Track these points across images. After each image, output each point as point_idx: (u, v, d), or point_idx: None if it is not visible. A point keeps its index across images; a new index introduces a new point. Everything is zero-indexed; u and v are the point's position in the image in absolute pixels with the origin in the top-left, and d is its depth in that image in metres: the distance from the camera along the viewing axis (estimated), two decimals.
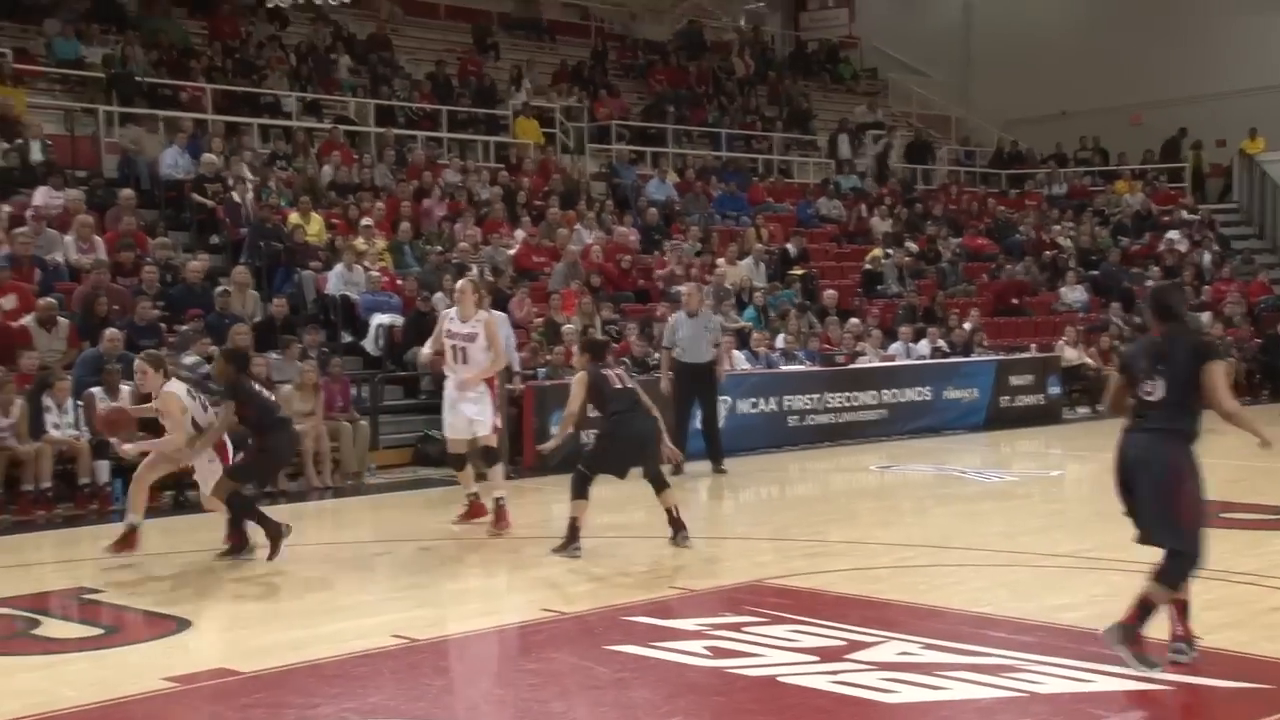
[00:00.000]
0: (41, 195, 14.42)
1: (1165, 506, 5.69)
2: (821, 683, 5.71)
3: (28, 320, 12.15)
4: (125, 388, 10.78)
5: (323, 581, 8.24)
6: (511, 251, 17.03)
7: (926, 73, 29.67)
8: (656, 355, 14.36)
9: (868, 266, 20.49)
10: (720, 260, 18.36)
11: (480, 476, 10.19)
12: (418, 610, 7.38)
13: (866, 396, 16.00)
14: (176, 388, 8.73)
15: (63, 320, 12.28)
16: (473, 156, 20.26)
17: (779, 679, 5.79)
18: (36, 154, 15.40)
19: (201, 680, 5.86)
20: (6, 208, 13.97)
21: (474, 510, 10.06)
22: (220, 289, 13.75)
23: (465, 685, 6.02)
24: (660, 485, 9.03)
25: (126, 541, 8.72)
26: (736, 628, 6.67)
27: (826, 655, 6.14)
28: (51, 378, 11.29)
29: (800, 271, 19.28)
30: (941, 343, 17.87)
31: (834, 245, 21.71)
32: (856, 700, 5.49)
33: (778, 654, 6.18)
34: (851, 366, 16.41)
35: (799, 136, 25.71)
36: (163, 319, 13.07)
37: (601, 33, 26.70)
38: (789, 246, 19.96)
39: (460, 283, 10.52)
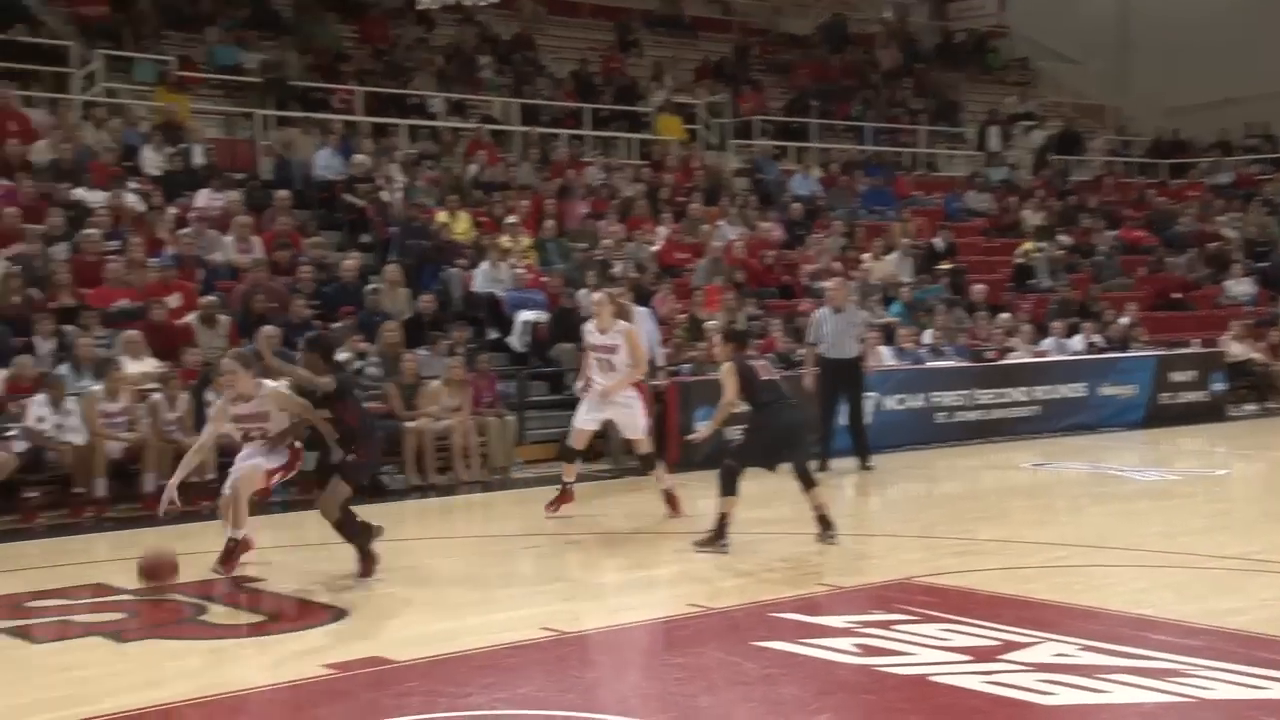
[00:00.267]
0: (203, 197, 14.92)
1: None
2: (975, 683, 5.58)
3: (191, 318, 12.58)
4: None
5: (472, 574, 8.35)
6: (654, 248, 17.06)
7: (1080, 61, 28.80)
8: (801, 351, 14.23)
9: (1018, 260, 20.01)
10: (866, 255, 18.12)
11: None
12: (565, 603, 7.42)
13: (1017, 393, 15.62)
14: (279, 385, 8.11)
15: (223, 318, 12.68)
16: (616, 154, 20.36)
17: (930, 678, 5.68)
18: (198, 157, 15.94)
19: (358, 668, 5.97)
20: (172, 210, 14.49)
21: (563, 496, 10.27)
22: (371, 287, 14.04)
23: (613, 678, 6.03)
24: (808, 482, 8.93)
25: (234, 557, 7.95)
26: (886, 625, 6.55)
27: (980, 655, 6.00)
28: (213, 374, 11.61)
29: (948, 266, 18.92)
30: (1097, 338, 17.35)
31: (983, 239, 21.25)
32: (1012, 701, 5.35)
33: (929, 653, 6.05)
34: (1002, 362, 16.05)
35: (946, 129, 25.24)
36: (316, 316, 13.41)
37: (744, 28, 26.58)
38: (936, 241, 19.60)
39: (597, 296, 10.71)
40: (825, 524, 8.84)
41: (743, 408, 9.07)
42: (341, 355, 12.54)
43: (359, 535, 7.77)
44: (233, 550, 7.84)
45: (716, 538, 8.66)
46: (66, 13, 18.12)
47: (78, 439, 10.69)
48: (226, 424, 8.16)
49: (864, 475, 12.77)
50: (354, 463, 7.78)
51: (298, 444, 8.26)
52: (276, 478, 8.08)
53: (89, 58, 16.88)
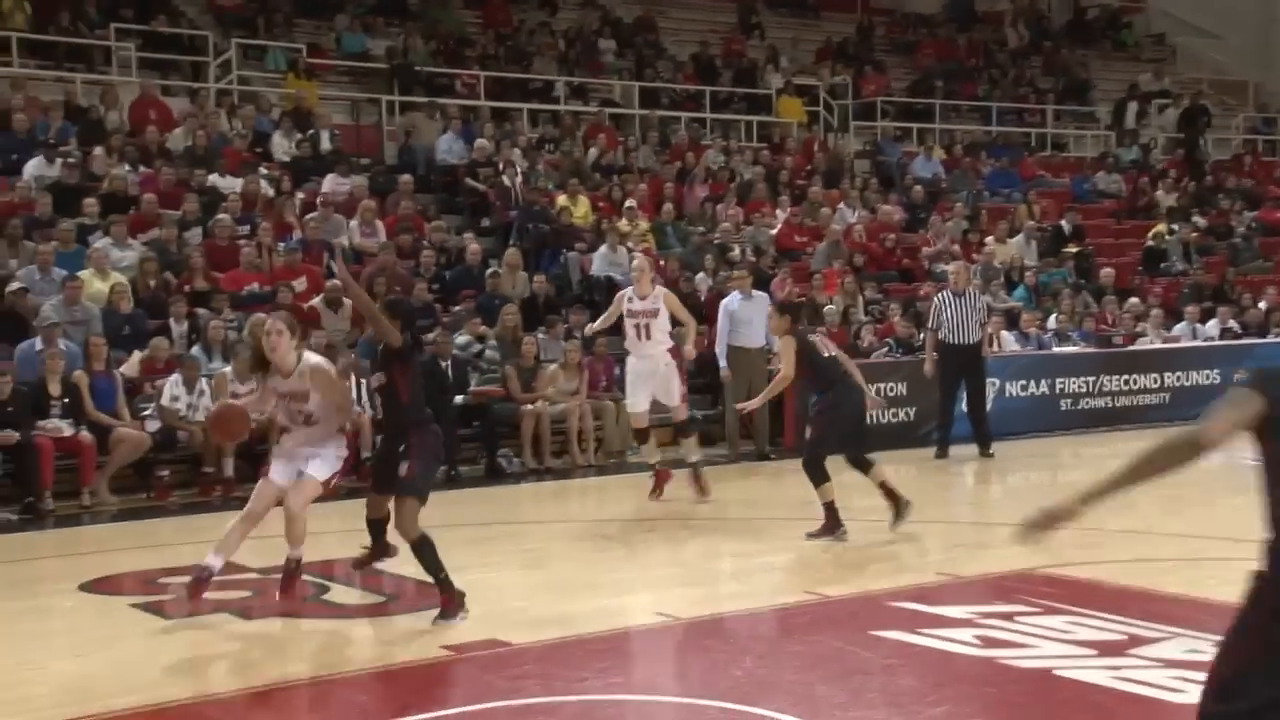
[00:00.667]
0: (329, 182, 15.22)
1: None
2: (1101, 678, 5.44)
3: (316, 301, 12.84)
4: None
5: (588, 558, 8.40)
6: (773, 231, 16.94)
7: (1220, 35, 27.78)
8: (921, 336, 14.02)
9: (1150, 243, 19.42)
10: (989, 238, 17.76)
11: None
12: (680, 588, 7.42)
13: (1147, 380, 15.17)
14: (322, 361, 7.14)
15: (347, 301, 12.92)
16: (735, 136, 20.25)
17: (1054, 672, 5.55)
18: (325, 143, 16.25)
19: (474, 650, 6.04)
20: (300, 195, 14.79)
21: (659, 478, 10.36)
22: (491, 270, 14.18)
23: (729, 664, 6.01)
24: (867, 465, 8.82)
25: (294, 579, 7.04)
26: (1008, 617, 6.42)
27: (1106, 649, 5.84)
28: (337, 356, 11.89)
29: (1075, 249, 18.45)
30: (1233, 323, 16.76)
31: (1112, 221, 20.67)
32: (1139, 698, 5.20)
33: (1053, 646, 5.92)
34: (1131, 348, 15.60)
35: (1076, 108, 24.58)
36: (438, 300, 13.58)
37: (868, 7, 26.20)
38: (1063, 223, 19.12)
39: (637, 260, 10.85)
40: (901, 505, 8.72)
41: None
42: (461, 338, 12.72)
43: (437, 569, 6.56)
44: (293, 571, 6.96)
45: (833, 527, 8.58)
46: (205, 3, 18.60)
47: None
48: (271, 405, 7.13)
49: (984, 462, 12.54)
50: (408, 479, 6.52)
51: (347, 428, 7.40)
52: (334, 481, 7.08)
53: (224, 47, 17.31)
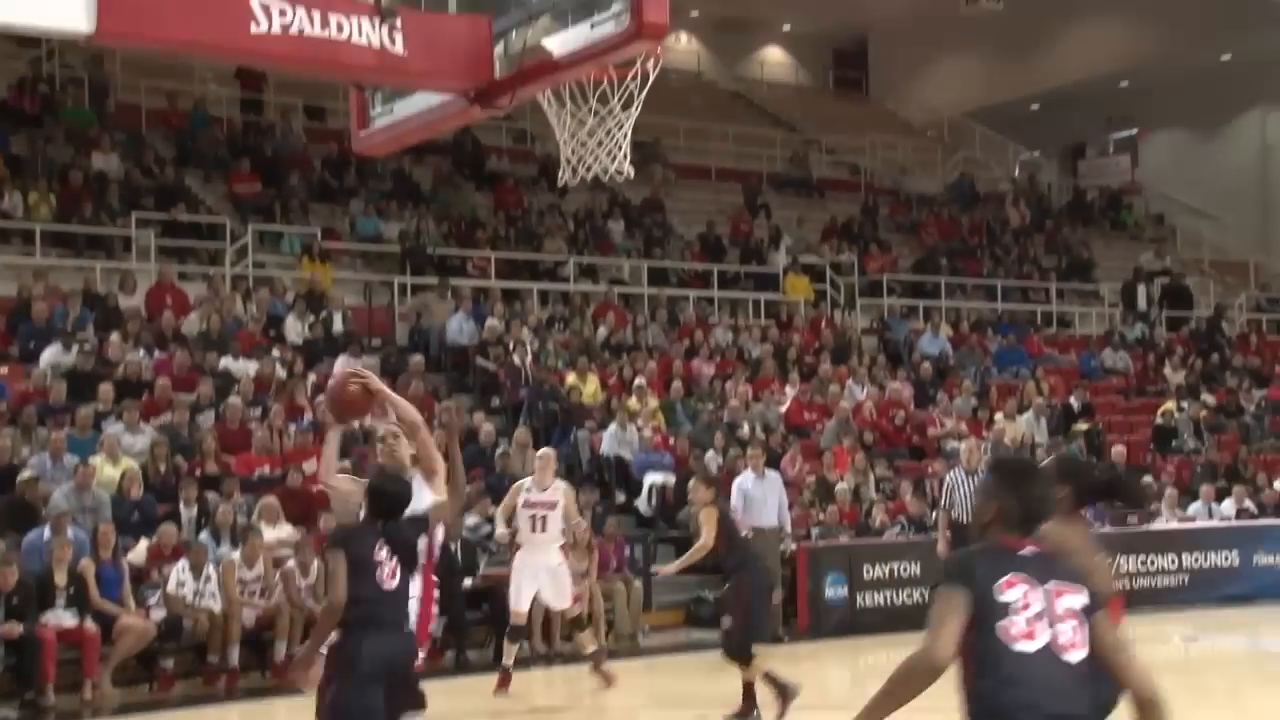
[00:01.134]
0: (341, 363, 15.34)
1: None
2: None
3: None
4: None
5: None
6: (783, 408, 17.00)
7: (1219, 217, 28.31)
8: (934, 515, 13.93)
9: (1159, 421, 19.43)
10: (999, 415, 17.79)
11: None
12: None
13: (1164, 560, 15.00)
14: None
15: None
16: (743, 314, 20.49)
17: None
18: (338, 325, 16.46)
19: None
20: (311, 377, 14.92)
21: (503, 679, 10.01)
22: (501, 450, 14.19)
23: None
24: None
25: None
26: None
27: None
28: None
29: (1085, 426, 18.45)
30: (1249, 503, 16.61)
31: (1120, 398, 20.72)
32: None
33: None
34: (1146, 528, 15.46)
35: (1079, 286, 24.90)
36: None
37: (872, 188, 26.80)
38: (1072, 400, 19.18)
39: (543, 450, 10.81)
40: (752, 704, 8.68)
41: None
42: (470, 519, 12.66)
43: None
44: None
45: (747, 711, 8.54)
46: (223, 191, 19.08)
47: (215, 606, 10.88)
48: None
49: None
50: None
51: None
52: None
53: (241, 233, 17.70)
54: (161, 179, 18.17)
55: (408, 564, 5.70)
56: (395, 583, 5.58)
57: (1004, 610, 3.49)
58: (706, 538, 8.83)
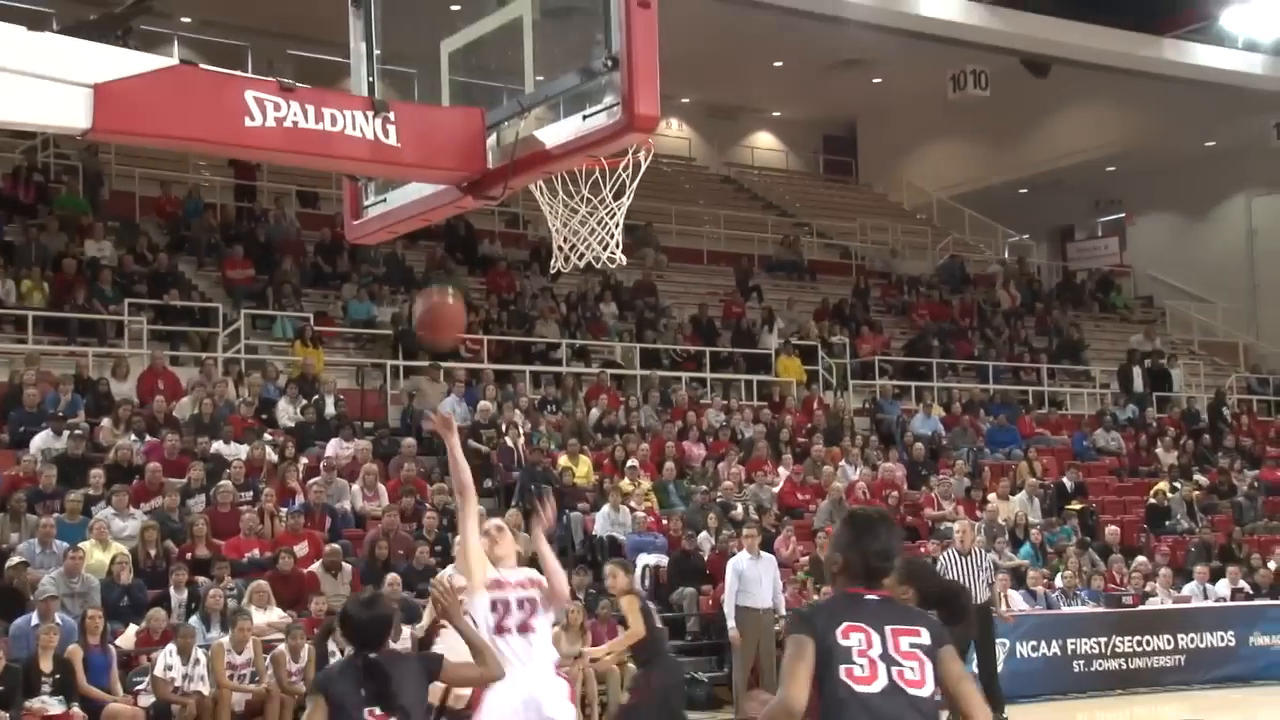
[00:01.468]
0: (333, 447, 15.35)
1: None
2: None
3: (315, 566, 12.78)
4: (405, 630, 11.03)
5: None
6: (776, 489, 16.99)
7: (1208, 299, 28.55)
8: None
9: (1152, 500, 19.43)
10: (992, 495, 17.79)
11: None
12: None
13: (1160, 641, 14.93)
14: None
15: (347, 565, 12.86)
16: (736, 395, 20.53)
17: None
18: (330, 408, 16.48)
19: None
20: (303, 460, 14.91)
21: None
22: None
23: None
24: None
25: None
26: None
27: None
28: (336, 623, 11.74)
29: (1078, 506, 18.45)
30: (1244, 583, 16.56)
31: (1114, 479, 20.73)
32: None
33: None
34: (1142, 608, 15.41)
35: (1070, 367, 25.03)
36: (442, 563, 13.50)
37: (863, 270, 27.02)
38: (1065, 480, 19.19)
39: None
40: None
41: None
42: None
43: None
44: None
45: None
46: (216, 277, 19.20)
47: (204, 689, 10.78)
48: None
49: None
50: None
51: None
52: None
53: (234, 317, 17.77)
54: (154, 265, 18.28)
55: (388, 709, 4.76)
56: None
57: (845, 654, 3.75)
58: (635, 625, 8.56)
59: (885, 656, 3.75)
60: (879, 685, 3.73)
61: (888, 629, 3.79)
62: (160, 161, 20.54)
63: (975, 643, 12.58)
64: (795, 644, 3.77)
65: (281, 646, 11.27)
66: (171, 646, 10.87)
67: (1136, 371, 24.13)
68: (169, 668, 10.76)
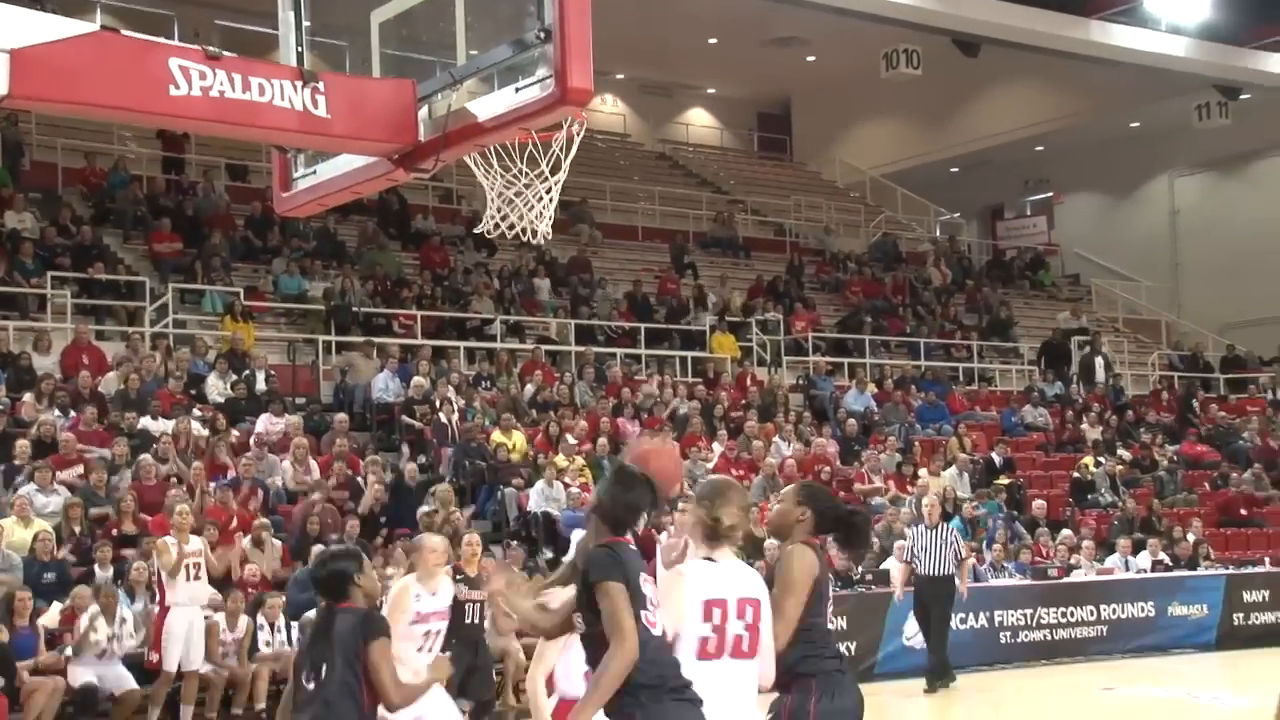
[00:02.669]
0: (263, 422, 15.19)
1: None
2: None
3: (246, 542, 12.65)
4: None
5: None
6: (710, 465, 17.06)
7: (1133, 278, 29.05)
8: (858, 569, 14.13)
9: (1077, 475, 19.77)
10: (923, 470, 18.00)
11: None
12: None
13: (1083, 612, 15.23)
14: None
15: (276, 541, 12.76)
16: (670, 371, 20.58)
17: None
18: (261, 384, 16.29)
19: None
20: (233, 435, 14.74)
21: None
22: (424, 509, 14.08)
23: None
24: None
25: None
26: None
27: None
28: (264, 597, 11.66)
29: (1006, 481, 18.74)
30: (1164, 555, 16.93)
31: (1040, 454, 21.07)
32: None
33: None
34: (1066, 580, 15.69)
35: (999, 344, 25.35)
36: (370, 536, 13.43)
37: (797, 248, 27.15)
38: (994, 455, 19.47)
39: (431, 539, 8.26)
40: None
41: None
42: (391, 572, 12.52)
43: None
44: None
45: None
46: (143, 250, 18.88)
47: (134, 643, 10.72)
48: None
49: (943, 694, 12.48)
50: None
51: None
52: None
53: (161, 292, 17.50)
54: (78, 238, 17.94)
55: (319, 659, 4.89)
56: (313, 683, 4.91)
57: (644, 601, 4.19)
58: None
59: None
60: (658, 631, 4.31)
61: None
62: (83, 131, 20.13)
63: (932, 613, 12.87)
64: (614, 591, 4.17)
65: (217, 616, 11.15)
66: (95, 608, 10.58)
67: (1072, 349, 24.45)
68: (94, 629, 10.46)
